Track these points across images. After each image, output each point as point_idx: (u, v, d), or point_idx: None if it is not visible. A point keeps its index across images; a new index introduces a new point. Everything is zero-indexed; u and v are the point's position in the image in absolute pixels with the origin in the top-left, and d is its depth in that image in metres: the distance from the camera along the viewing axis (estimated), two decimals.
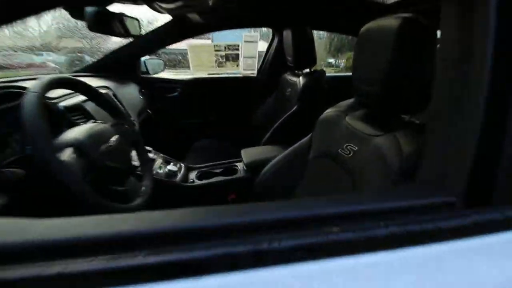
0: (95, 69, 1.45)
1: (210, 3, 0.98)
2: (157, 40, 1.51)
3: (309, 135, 0.94)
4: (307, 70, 1.38)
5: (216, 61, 1.75)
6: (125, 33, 1.04)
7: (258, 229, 0.29)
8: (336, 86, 1.85)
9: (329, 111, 0.90)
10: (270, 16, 1.54)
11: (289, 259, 0.27)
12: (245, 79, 1.86)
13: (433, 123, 0.42)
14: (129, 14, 1.03)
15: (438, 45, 0.42)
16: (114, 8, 0.99)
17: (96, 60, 1.48)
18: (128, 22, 1.02)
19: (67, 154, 0.54)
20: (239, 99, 1.85)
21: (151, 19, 1.61)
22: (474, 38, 0.34)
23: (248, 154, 1.13)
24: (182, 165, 1.17)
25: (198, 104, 1.78)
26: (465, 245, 0.31)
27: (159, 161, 1.10)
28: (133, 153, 0.79)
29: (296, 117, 1.26)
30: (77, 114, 0.84)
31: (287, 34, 1.34)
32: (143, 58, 1.67)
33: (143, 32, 1.44)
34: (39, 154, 0.47)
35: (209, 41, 2.15)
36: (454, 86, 0.37)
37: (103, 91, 1.07)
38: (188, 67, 1.82)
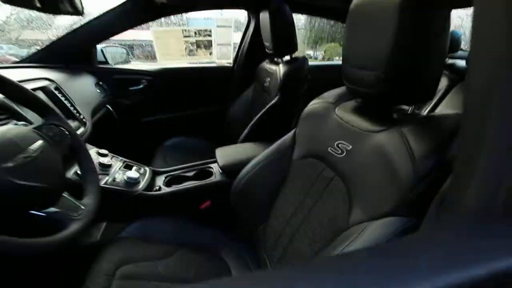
0: (42, 59, 1.22)
1: None
2: (114, 23, 1.29)
3: (292, 132, 0.81)
4: (288, 57, 1.24)
5: (186, 48, 1.55)
6: (73, 10, 0.83)
7: None
8: (319, 77, 1.74)
9: (314, 103, 0.77)
10: None
11: None
12: (220, 70, 1.69)
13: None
14: None
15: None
16: None
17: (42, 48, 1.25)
18: None
19: None
20: (213, 92, 1.68)
21: None
22: None
23: (223, 154, 0.98)
24: (147, 169, 1.00)
25: (166, 98, 1.59)
26: None
27: (117, 167, 0.92)
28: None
29: (277, 110, 1.12)
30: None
31: (264, 16, 1.19)
32: (100, 46, 1.45)
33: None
34: None
35: None
36: None
37: (42, 84, 0.87)
38: None
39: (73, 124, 0.89)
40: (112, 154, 0.99)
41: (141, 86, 1.51)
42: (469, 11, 0.28)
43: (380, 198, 0.46)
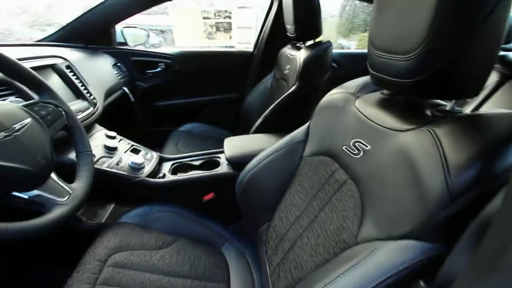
0: (62, 38, 1.23)
1: None
2: (133, 2, 1.26)
3: (306, 125, 0.73)
4: (311, 42, 1.13)
5: (205, 31, 1.49)
6: None
7: None
8: (348, 66, 1.60)
9: (333, 93, 0.68)
10: None
11: None
12: (239, 54, 1.60)
13: None
14: None
15: None
16: None
17: (62, 27, 1.25)
18: None
19: None
20: (231, 78, 1.61)
21: None
22: None
23: (231, 145, 0.92)
24: (154, 155, 0.97)
25: (183, 83, 1.55)
26: None
27: (123, 150, 0.90)
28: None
29: (293, 100, 1.03)
30: (1, 89, 0.63)
31: None
32: (120, 27, 1.43)
33: None
34: None
35: None
36: None
37: (53, 61, 0.86)
38: None
39: (82, 104, 0.87)
40: (120, 137, 0.97)
41: (158, 69, 1.48)
42: None
43: (399, 214, 0.37)
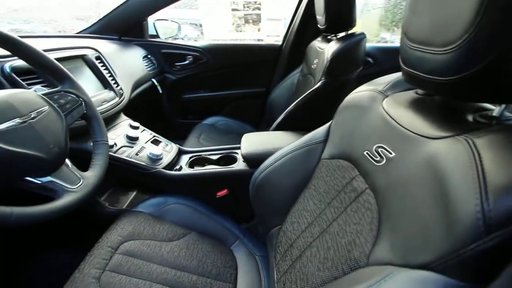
0: (99, 30, 1.30)
1: None
2: None
3: (328, 124, 0.67)
4: (343, 34, 1.04)
5: (233, 23, 1.46)
6: None
7: None
8: (386, 61, 1.47)
9: (359, 90, 0.61)
10: None
11: None
12: (267, 48, 1.55)
13: None
14: None
15: None
16: None
17: (99, 19, 1.32)
18: None
19: None
20: (259, 72, 1.57)
21: None
22: None
23: (249, 141, 0.89)
24: (174, 147, 0.98)
25: (210, 76, 1.55)
26: None
27: (144, 141, 0.92)
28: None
29: (319, 97, 0.96)
30: (31, 77, 0.67)
31: None
32: (152, 20, 1.47)
33: None
34: None
35: None
36: None
37: (82, 52, 0.90)
38: None
39: (108, 94, 0.91)
40: (143, 128, 1.00)
41: (187, 61, 1.50)
42: None
43: (420, 239, 0.31)
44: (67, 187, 0.50)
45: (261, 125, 1.62)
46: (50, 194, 0.48)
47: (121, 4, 1.26)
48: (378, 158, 0.45)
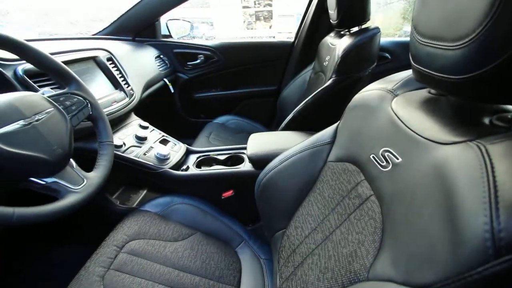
0: (113, 32, 1.33)
1: None
2: None
3: (335, 125, 0.64)
4: (356, 29, 0.99)
5: (244, 21, 1.44)
6: None
7: None
8: (400, 56, 1.39)
9: (368, 88, 0.57)
10: None
11: None
12: (279, 45, 1.52)
13: None
14: None
15: None
16: None
17: (114, 21, 1.35)
18: None
19: None
20: (270, 70, 1.54)
21: None
22: None
23: (255, 141, 0.87)
24: (182, 146, 0.98)
25: (221, 75, 1.55)
26: None
27: (153, 140, 0.93)
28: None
29: (329, 95, 0.92)
30: (43, 79, 0.70)
31: None
32: (165, 20, 1.49)
33: None
34: None
35: None
36: None
37: (94, 54, 0.92)
38: None
39: (118, 94, 0.92)
40: (153, 128, 1.01)
41: (198, 61, 1.50)
42: None
43: (423, 256, 0.28)
44: (70, 188, 0.51)
45: (272, 124, 1.60)
46: (53, 194, 0.49)
47: (134, 5, 1.28)
48: (384, 163, 0.42)
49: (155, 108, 1.38)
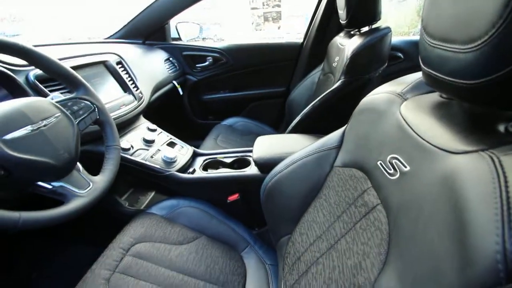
0: (124, 35, 1.36)
1: None
2: None
3: (342, 129, 0.62)
4: (366, 28, 0.96)
5: (252, 23, 1.44)
6: None
7: None
8: (414, 56, 1.34)
9: (377, 91, 0.55)
10: None
11: None
12: (287, 46, 1.51)
13: None
14: None
15: None
16: None
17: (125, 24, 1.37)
18: None
19: None
20: (279, 71, 1.53)
21: None
22: None
23: (262, 145, 0.86)
24: (189, 149, 0.99)
25: (229, 76, 1.55)
26: None
27: (160, 143, 0.94)
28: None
29: (338, 97, 0.90)
30: (54, 83, 0.72)
31: None
32: (174, 23, 1.50)
33: None
34: None
35: None
36: None
37: (104, 58, 0.94)
38: None
39: (127, 98, 0.94)
40: (161, 130, 1.02)
41: (207, 63, 1.51)
42: None
43: (431, 275, 0.26)
44: (76, 192, 0.52)
45: (280, 126, 1.59)
46: (60, 198, 0.50)
47: (144, 9, 1.30)
48: (392, 171, 0.40)
49: (164, 110, 1.39)
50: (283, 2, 1.33)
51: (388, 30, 0.89)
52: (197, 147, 1.03)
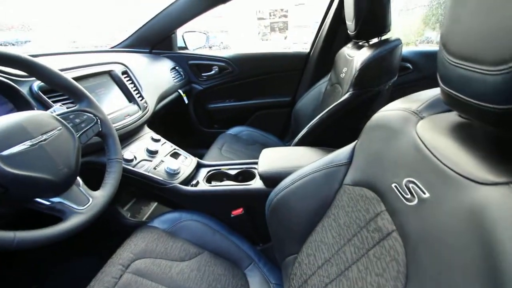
0: (131, 44, 1.36)
1: None
2: (192, 5, 1.28)
3: (352, 144, 0.60)
4: (375, 40, 0.95)
5: (259, 33, 1.43)
6: None
7: None
8: (423, 67, 1.32)
9: (389, 108, 0.53)
10: None
11: None
12: (294, 56, 1.50)
13: None
14: None
15: None
16: None
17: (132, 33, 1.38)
18: None
19: None
20: (285, 81, 1.52)
21: None
22: None
23: (266, 158, 0.83)
24: (193, 160, 0.97)
25: (235, 86, 1.54)
26: None
27: (163, 154, 0.93)
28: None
29: (346, 109, 0.88)
30: (57, 94, 0.71)
31: None
32: (181, 32, 1.51)
33: None
34: None
35: None
36: None
37: (109, 68, 0.94)
38: None
39: (132, 108, 0.93)
40: (165, 140, 1.00)
41: (212, 72, 1.50)
42: None
43: None
44: (75, 208, 0.50)
45: (286, 135, 1.57)
46: (58, 215, 0.48)
47: (151, 19, 1.31)
48: (409, 196, 0.37)
49: (169, 118, 1.38)
50: (289, 13, 1.33)
51: (398, 42, 0.87)
52: (202, 155, 1.01)
